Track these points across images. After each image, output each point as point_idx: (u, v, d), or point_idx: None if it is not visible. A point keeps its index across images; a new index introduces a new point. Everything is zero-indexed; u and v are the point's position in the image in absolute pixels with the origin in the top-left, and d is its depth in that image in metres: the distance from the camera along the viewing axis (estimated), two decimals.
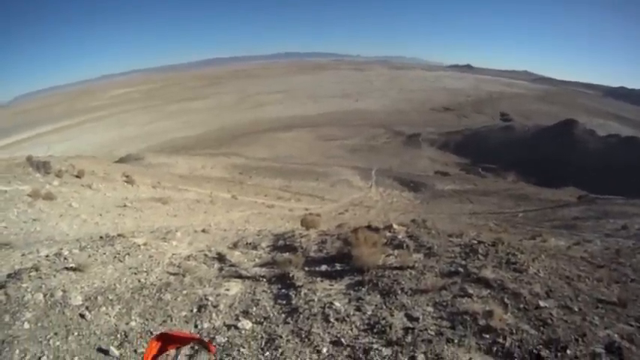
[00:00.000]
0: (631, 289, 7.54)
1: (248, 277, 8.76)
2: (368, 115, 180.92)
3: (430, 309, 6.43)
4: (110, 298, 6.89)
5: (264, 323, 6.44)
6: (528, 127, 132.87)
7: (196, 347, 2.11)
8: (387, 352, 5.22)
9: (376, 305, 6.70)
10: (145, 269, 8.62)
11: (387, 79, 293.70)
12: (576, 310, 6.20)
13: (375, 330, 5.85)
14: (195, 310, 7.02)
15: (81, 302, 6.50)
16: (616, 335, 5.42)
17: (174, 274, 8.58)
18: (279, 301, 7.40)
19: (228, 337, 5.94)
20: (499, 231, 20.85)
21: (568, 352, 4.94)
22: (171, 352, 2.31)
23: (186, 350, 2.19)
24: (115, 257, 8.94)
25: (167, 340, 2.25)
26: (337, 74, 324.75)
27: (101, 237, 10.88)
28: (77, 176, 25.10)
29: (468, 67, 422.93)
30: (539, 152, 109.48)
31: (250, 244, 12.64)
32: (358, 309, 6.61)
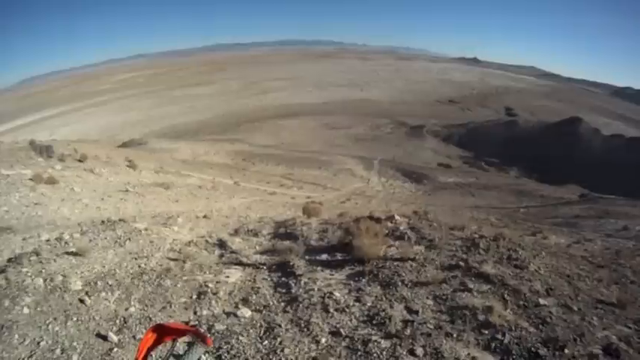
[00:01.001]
0: (630, 291, 7.50)
1: (248, 265, 8.76)
2: (372, 105, 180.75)
3: (430, 302, 6.43)
4: (110, 283, 6.88)
5: (264, 312, 6.44)
6: (533, 123, 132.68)
7: (193, 339, 2.07)
8: (385, 344, 5.21)
9: (376, 296, 6.69)
10: (145, 254, 8.61)
11: (392, 70, 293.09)
12: (575, 309, 6.18)
13: (374, 321, 5.85)
14: (194, 296, 7.00)
15: (80, 287, 6.49)
16: (614, 337, 5.41)
17: (174, 260, 8.58)
18: (279, 289, 7.40)
19: (227, 325, 5.93)
20: (500, 226, 20.83)
21: (566, 351, 4.93)
22: (167, 343, 2.29)
23: (182, 342, 2.15)
24: (116, 242, 8.93)
25: (163, 332, 2.23)
26: (343, 63, 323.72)
27: (102, 222, 10.88)
28: (80, 160, 25.12)
29: (475, 61, 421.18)
30: (543, 148, 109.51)
31: (251, 231, 12.64)
32: (358, 300, 6.60)
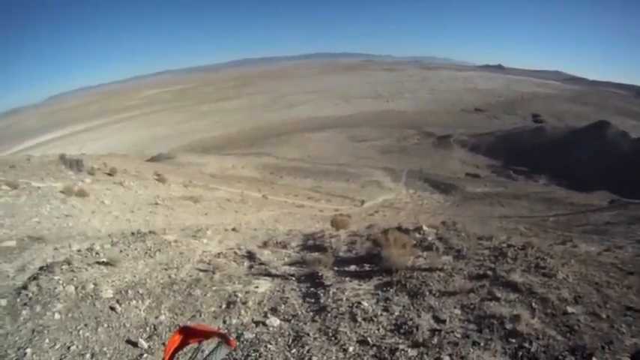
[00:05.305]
0: None
1: (277, 276, 8.79)
2: (399, 115, 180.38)
3: (457, 311, 6.34)
4: (140, 292, 6.98)
5: (292, 321, 6.44)
6: (560, 129, 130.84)
7: (217, 341, 2.10)
8: (412, 352, 5.17)
9: (404, 306, 6.63)
10: (175, 265, 8.72)
11: (417, 80, 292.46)
12: (604, 317, 6.01)
13: (401, 330, 5.80)
14: (224, 306, 7.06)
15: (111, 295, 6.60)
16: None
17: (204, 271, 8.67)
18: (308, 299, 7.40)
19: (256, 334, 5.96)
20: (529, 235, 20.54)
21: (593, 359, 4.85)
22: (192, 345, 2.33)
23: (207, 344, 2.19)
24: (146, 253, 9.06)
25: (189, 334, 2.28)
26: (368, 75, 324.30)
27: (132, 233, 11.04)
28: (109, 174, 25.58)
29: (499, 68, 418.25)
30: (571, 154, 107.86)
31: (280, 243, 12.72)
32: (386, 309, 6.55)
